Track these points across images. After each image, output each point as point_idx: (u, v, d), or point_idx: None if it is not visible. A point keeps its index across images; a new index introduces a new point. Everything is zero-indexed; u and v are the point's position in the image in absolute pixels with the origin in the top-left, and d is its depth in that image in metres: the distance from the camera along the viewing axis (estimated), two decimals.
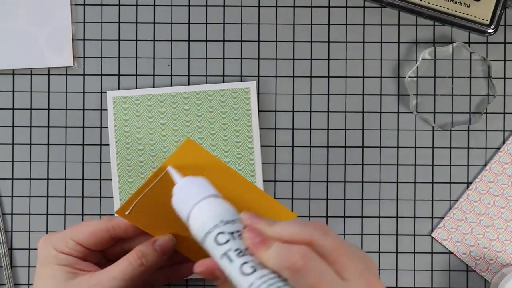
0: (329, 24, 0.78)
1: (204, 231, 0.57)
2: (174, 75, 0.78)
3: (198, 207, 0.58)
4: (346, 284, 0.54)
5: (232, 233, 0.56)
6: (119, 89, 0.77)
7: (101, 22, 0.78)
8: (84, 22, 0.78)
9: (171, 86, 0.77)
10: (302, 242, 0.55)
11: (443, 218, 0.77)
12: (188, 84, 0.77)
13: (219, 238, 0.56)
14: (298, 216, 0.77)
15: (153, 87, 0.77)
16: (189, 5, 0.78)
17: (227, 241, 0.56)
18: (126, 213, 0.66)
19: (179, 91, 0.76)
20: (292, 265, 0.54)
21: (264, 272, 0.54)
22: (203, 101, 0.76)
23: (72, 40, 0.77)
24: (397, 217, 0.77)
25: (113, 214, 0.77)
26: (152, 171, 0.66)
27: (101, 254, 0.68)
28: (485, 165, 0.77)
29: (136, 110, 0.76)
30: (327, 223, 0.77)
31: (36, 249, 0.77)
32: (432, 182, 0.77)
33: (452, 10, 0.75)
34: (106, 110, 0.77)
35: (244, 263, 0.55)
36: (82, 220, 0.77)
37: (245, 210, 0.59)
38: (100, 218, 0.75)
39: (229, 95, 0.76)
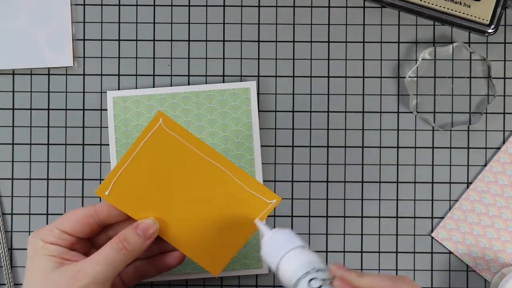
0: (329, 24, 0.78)
1: (296, 277, 0.61)
2: (174, 75, 0.78)
3: (291, 254, 0.62)
4: None
5: (324, 279, 0.61)
6: (119, 89, 0.77)
7: (101, 22, 0.78)
8: (84, 22, 0.78)
9: (171, 86, 0.77)
10: None
11: (443, 218, 0.77)
12: (188, 84, 0.77)
13: (313, 283, 0.61)
14: (298, 216, 0.77)
15: (153, 87, 0.77)
16: (189, 5, 0.78)
17: (320, 286, 0.60)
18: (106, 193, 0.67)
19: (179, 91, 0.76)
20: None
21: None
22: (203, 101, 0.76)
23: (72, 40, 0.77)
24: (397, 217, 0.77)
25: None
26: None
27: (90, 244, 0.69)
28: (485, 165, 0.77)
29: (136, 110, 0.76)
30: (327, 223, 0.77)
31: None
32: (432, 182, 0.77)
33: (452, 10, 0.75)
34: (106, 110, 0.77)
35: None
36: None
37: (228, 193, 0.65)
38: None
39: (229, 95, 0.76)
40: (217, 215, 0.67)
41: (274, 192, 0.77)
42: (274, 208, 0.77)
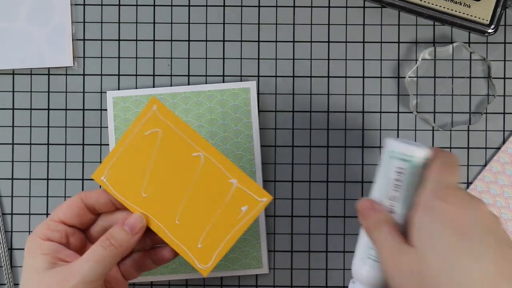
0: (329, 24, 0.78)
1: None
2: (174, 75, 0.78)
3: None
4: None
5: None
6: (119, 89, 0.77)
7: (101, 22, 0.78)
8: (84, 22, 0.78)
9: (171, 86, 0.77)
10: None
11: None
12: (188, 84, 0.77)
13: None
14: (298, 216, 0.77)
15: (153, 87, 0.77)
16: (189, 5, 0.78)
17: None
18: (102, 177, 0.67)
19: (179, 91, 0.76)
20: None
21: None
22: (203, 101, 0.76)
23: (72, 40, 0.77)
24: None
25: None
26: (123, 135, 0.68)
27: (85, 237, 0.69)
28: (485, 165, 0.77)
29: (136, 110, 0.76)
30: (327, 223, 0.77)
31: None
32: None
33: (452, 10, 0.75)
34: (106, 110, 0.77)
35: None
36: None
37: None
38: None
39: (229, 95, 0.76)
40: (207, 210, 0.67)
41: (274, 192, 0.77)
42: (274, 208, 0.77)
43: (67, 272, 0.64)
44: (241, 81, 0.77)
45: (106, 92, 0.77)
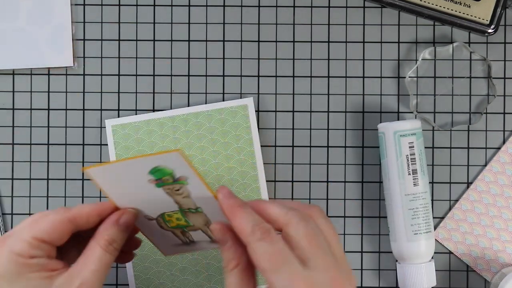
0: (329, 24, 0.78)
1: None
2: (174, 75, 0.78)
3: None
4: (308, 271, 0.55)
5: None
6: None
7: (101, 22, 0.78)
8: (84, 22, 0.78)
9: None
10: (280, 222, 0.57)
11: (443, 218, 0.77)
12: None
13: None
14: None
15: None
16: (189, 5, 0.78)
17: None
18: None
19: (177, 114, 0.76)
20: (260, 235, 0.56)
21: None
22: (203, 121, 0.76)
23: (72, 40, 0.77)
24: None
25: None
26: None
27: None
28: (485, 165, 0.77)
29: (136, 136, 0.76)
30: None
31: None
32: (432, 182, 0.77)
33: (452, 10, 0.75)
34: (106, 110, 0.77)
35: None
36: None
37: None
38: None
39: (228, 113, 0.76)
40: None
41: (274, 192, 0.77)
42: None
43: (77, 284, 0.59)
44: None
45: (106, 93, 0.77)
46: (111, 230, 0.61)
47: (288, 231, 0.57)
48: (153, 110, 0.77)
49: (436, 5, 0.75)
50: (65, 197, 0.77)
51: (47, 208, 0.77)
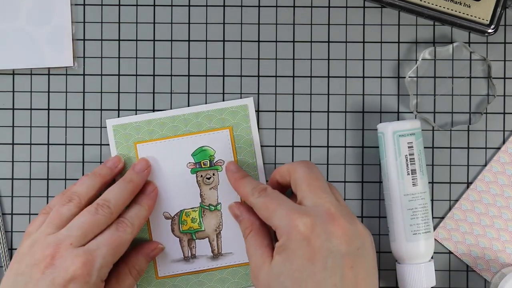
0: (329, 24, 0.78)
1: None
2: (174, 75, 0.78)
3: None
4: (304, 207, 0.65)
5: None
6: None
7: (101, 22, 0.78)
8: (84, 22, 0.78)
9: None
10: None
11: (443, 218, 0.77)
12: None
13: None
14: None
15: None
16: (189, 5, 0.78)
17: None
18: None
19: (178, 114, 0.76)
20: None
21: None
22: (203, 121, 0.76)
23: (72, 40, 0.77)
24: None
25: None
26: None
27: None
28: (485, 165, 0.77)
29: (137, 136, 0.76)
30: None
31: None
32: (432, 182, 0.77)
33: (452, 10, 0.75)
34: (106, 110, 0.77)
35: None
36: None
37: None
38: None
39: (228, 113, 0.76)
40: None
41: None
42: None
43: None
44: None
45: (106, 93, 0.77)
46: (142, 261, 0.73)
47: (293, 176, 0.68)
48: (153, 110, 0.77)
49: (436, 5, 0.75)
50: None
51: None
